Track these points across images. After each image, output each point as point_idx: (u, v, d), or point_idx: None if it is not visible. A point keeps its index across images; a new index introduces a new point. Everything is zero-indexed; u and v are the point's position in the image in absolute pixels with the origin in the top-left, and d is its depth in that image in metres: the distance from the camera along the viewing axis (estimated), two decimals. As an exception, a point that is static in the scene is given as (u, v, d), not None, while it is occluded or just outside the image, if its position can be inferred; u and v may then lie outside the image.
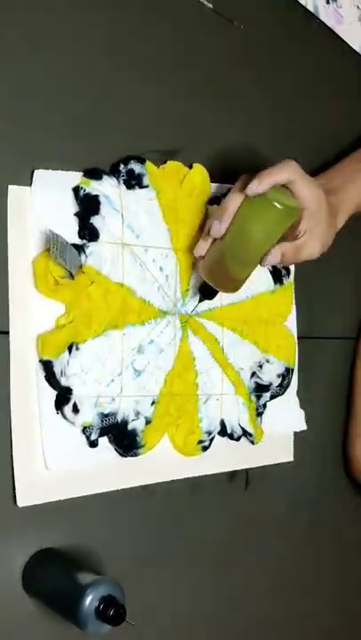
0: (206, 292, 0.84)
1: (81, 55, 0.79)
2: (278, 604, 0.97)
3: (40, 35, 0.76)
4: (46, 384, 0.75)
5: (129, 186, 0.81)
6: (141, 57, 0.84)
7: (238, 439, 0.90)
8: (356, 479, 1.04)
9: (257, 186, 0.76)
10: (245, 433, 0.90)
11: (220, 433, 0.88)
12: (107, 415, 0.79)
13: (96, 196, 0.78)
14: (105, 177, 0.80)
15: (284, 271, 0.95)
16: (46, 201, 0.76)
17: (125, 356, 0.80)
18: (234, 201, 0.79)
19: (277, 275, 0.94)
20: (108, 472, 0.80)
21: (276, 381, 0.94)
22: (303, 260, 0.83)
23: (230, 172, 0.90)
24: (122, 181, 0.81)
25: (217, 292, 0.84)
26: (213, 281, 0.82)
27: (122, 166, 0.81)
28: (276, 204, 0.76)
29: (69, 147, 0.78)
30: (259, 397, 0.92)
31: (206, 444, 0.87)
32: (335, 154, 1.03)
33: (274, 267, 0.94)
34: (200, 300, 0.85)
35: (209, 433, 0.87)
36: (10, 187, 0.74)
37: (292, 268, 0.96)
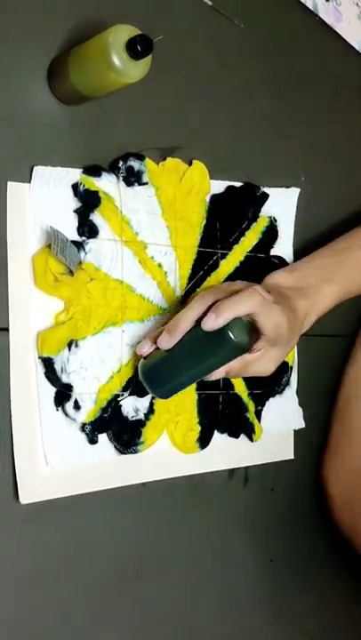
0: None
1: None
2: (278, 602, 0.97)
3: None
4: (46, 381, 0.75)
5: (128, 183, 0.81)
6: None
7: (237, 437, 0.89)
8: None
9: (214, 321, 0.74)
10: (245, 430, 0.90)
11: (219, 430, 0.88)
12: (106, 412, 0.79)
13: (95, 193, 0.78)
14: (104, 174, 0.80)
15: None
16: (45, 198, 0.76)
17: (125, 352, 0.80)
18: (187, 323, 0.76)
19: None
20: (108, 469, 0.80)
21: (276, 379, 0.93)
22: (252, 375, 0.82)
23: (230, 169, 0.90)
24: (121, 178, 0.81)
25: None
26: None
27: (121, 163, 0.81)
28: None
29: (69, 144, 0.78)
30: (258, 395, 0.92)
31: (205, 441, 0.87)
32: (335, 157, 1.03)
33: (273, 267, 0.94)
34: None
35: (208, 430, 0.87)
36: (9, 183, 0.74)
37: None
